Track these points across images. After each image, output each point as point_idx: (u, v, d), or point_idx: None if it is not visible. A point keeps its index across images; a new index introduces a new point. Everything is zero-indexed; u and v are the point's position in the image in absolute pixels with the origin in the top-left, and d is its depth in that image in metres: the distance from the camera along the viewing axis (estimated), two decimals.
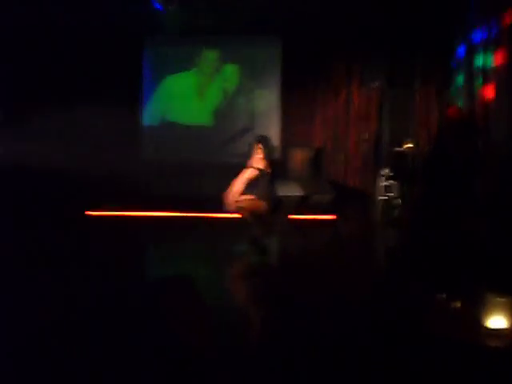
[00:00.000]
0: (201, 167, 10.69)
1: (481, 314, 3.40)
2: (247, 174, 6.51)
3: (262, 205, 6.53)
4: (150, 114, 12.02)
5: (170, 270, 5.94)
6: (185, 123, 11.97)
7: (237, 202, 6.45)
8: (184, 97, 12.06)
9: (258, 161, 6.58)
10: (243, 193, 6.48)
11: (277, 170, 9.53)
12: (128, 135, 11.07)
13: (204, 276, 5.78)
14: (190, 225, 8.05)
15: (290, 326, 4.42)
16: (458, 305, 3.64)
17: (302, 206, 8.80)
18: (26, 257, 6.17)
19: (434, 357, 3.50)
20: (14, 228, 7.38)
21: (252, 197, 6.48)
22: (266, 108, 11.67)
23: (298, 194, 9.15)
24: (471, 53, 7.53)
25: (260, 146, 6.62)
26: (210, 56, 11.96)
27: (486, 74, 7.06)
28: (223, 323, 4.40)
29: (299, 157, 10.91)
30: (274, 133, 11.63)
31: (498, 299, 3.27)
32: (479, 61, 7.23)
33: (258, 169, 6.51)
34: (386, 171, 8.43)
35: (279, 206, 7.08)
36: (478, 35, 7.29)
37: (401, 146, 8.75)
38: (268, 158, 6.62)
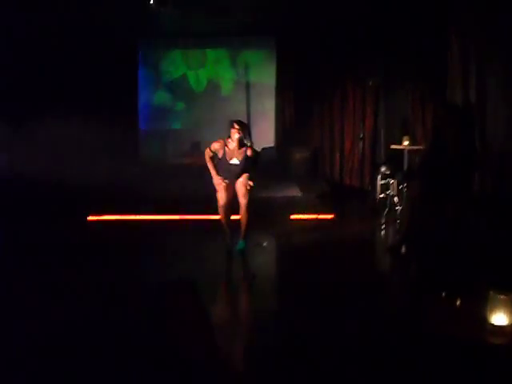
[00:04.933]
0: (199, 168, 10.66)
1: (482, 311, 3.39)
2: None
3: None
4: (148, 118, 12.04)
5: (171, 273, 5.92)
6: (182, 125, 11.99)
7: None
8: (180, 99, 12.08)
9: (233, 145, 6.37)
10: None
11: (274, 170, 9.58)
12: (127, 139, 11.07)
13: (204, 279, 5.76)
14: (193, 226, 8.07)
15: (288, 325, 4.41)
16: (458, 302, 3.62)
17: (300, 205, 8.77)
18: (29, 262, 6.18)
19: (435, 354, 3.48)
20: (15, 234, 7.37)
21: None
22: (262, 108, 11.67)
23: (294, 193, 9.13)
24: (466, 49, 7.52)
25: (236, 126, 6.33)
26: (205, 58, 11.97)
27: (482, 70, 7.05)
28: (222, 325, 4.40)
29: (296, 156, 10.90)
30: (269, 133, 11.65)
31: (499, 296, 3.26)
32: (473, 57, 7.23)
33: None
34: (382, 169, 8.41)
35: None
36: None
37: (397, 144, 8.74)
38: (244, 143, 6.36)
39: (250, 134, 6.47)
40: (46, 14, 9.32)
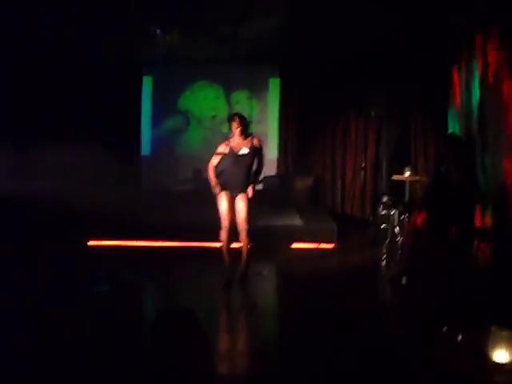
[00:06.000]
0: (201, 195, 10.64)
1: (484, 347, 3.35)
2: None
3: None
4: (150, 145, 12.06)
5: (171, 301, 5.89)
6: (185, 152, 11.99)
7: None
8: (183, 126, 12.11)
9: (238, 141, 6.40)
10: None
11: (275, 198, 9.55)
12: (128, 165, 11.08)
13: (205, 307, 5.72)
14: (193, 254, 8.05)
15: (289, 357, 4.38)
16: (460, 338, 3.59)
17: (301, 234, 8.75)
18: (30, 287, 6.15)
19: None
20: (16, 258, 7.34)
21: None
22: (264, 137, 11.68)
23: (296, 222, 9.11)
24: (469, 82, 7.57)
25: (237, 119, 6.40)
26: (209, 85, 12.02)
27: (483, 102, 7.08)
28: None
29: (298, 185, 10.90)
30: (272, 162, 11.65)
31: (502, 333, 3.23)
32: (476, 91, 7.25)
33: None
34: (384, 199, 8.39)
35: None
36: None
37: (399, 174, 8.75)
38: (248, 132, 6.46)
39: (248, 128, 6.55)
40: (47, 39, 9.37)
